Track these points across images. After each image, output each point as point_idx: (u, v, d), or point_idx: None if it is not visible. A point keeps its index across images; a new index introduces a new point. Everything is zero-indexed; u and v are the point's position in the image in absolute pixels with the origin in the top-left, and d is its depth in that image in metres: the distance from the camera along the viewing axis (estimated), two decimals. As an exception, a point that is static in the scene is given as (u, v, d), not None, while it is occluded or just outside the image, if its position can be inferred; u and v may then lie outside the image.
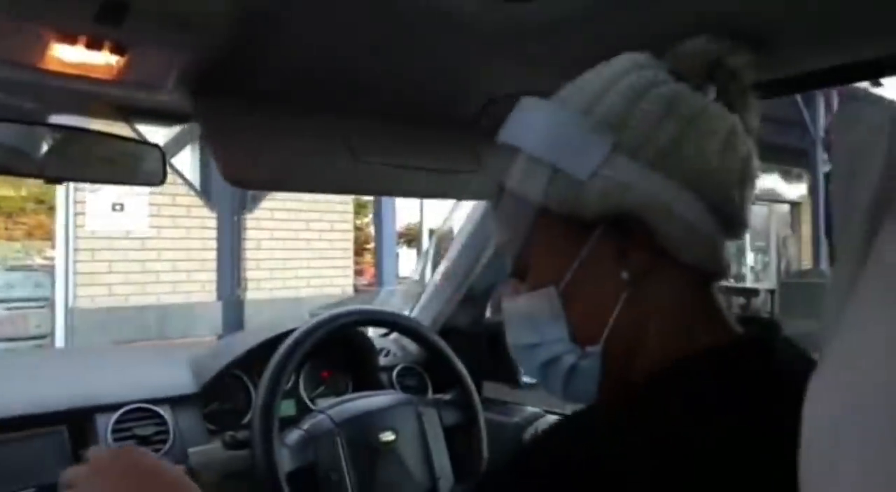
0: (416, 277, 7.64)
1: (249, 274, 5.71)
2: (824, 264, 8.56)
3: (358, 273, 7.72)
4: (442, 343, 1.35)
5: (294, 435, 1.14)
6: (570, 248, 0.52)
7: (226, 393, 1.36)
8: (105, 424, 1.17)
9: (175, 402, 1.26)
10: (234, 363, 1.33)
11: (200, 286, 5.80)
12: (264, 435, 1.07)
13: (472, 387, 1.31)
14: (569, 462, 0.45)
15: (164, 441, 1.20)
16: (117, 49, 0.81)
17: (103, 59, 0.82)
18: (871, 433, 0.37)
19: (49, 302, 5.60)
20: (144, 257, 5.56)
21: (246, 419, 1.32)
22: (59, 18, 0.75)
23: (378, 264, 6.46)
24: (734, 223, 0.53)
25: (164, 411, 1.23)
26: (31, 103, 1.06)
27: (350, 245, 6.81)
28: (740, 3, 0.70)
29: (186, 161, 4.80)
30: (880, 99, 0.47)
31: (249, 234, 5.83)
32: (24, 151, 0.99)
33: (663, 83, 0.52)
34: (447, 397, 1.33)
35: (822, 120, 8.75)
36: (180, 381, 1.31)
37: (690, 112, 0.50)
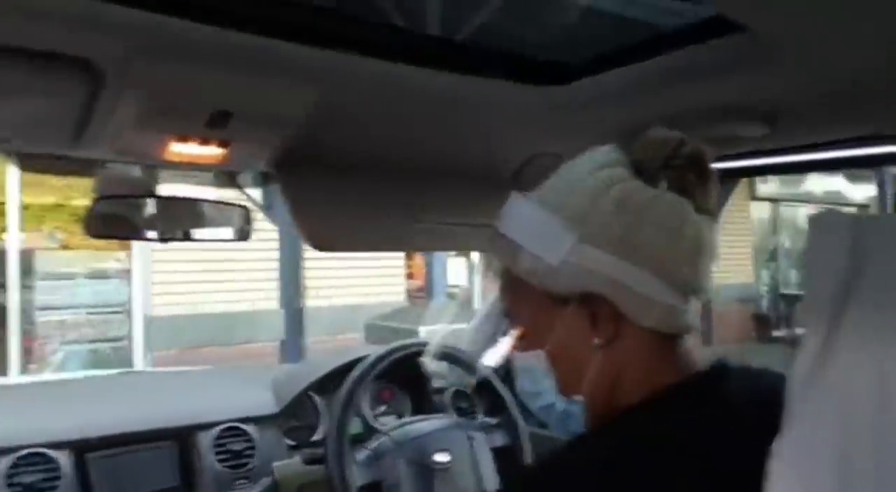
0: (466, 284, 7.88)
1: (309, 283, 5.96)
2: None
3: (409, 276, 7.92)
4: (492, 375, 1.50)
5: (363, 454, 1.31)
6: (552, 319, 0.64)
7: (300, 411, 1.56)
8: (206, 439, 1.38)
9: (260, 421, 1.46)
10: (311, 386, 1.52)
11: (264, 294, 6.11)
12: (338, 454, 1.25)
13: (518, 412, 1.45)
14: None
15: (252, 456, 1.40)
16: (222, 144, 1.00)
17: (210, 152, 1.01)
18: None
19: (125, 308, 6.02)
20: (212, 268, 5.91)
21: (316, 435, 1.51)
22: (177, 126, 0.93)
23: (428, 277, 6.67)
24: (689, 290, 0.62)
25: (251, 430, 1.43)
26: (139, 177, 1.27)
27: (402, 254, 7.02)
28: (750, 85, 0.80)
29: (248, 177, 5.07)
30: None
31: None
32: (130, 218, 1.19)
33: (618, 182, 0.62)
34: (494, 421, 1.47)
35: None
36: (264, 402, 1.50)
37: (639, 206, 0.60)
